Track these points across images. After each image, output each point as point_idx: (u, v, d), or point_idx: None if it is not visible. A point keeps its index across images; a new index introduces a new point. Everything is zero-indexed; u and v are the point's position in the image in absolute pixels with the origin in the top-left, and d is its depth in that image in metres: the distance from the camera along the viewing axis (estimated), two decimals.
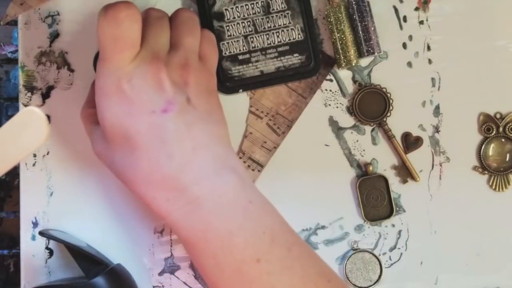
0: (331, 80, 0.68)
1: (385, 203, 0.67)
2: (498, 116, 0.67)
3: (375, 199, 0.67)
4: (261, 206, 0.51)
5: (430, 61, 0.67)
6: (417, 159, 0.67)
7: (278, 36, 0.65)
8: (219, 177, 0.48)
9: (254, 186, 0.53)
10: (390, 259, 0.68)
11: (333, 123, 0.68)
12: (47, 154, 0.69)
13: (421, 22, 0.67)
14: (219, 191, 0.47)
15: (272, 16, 0.65)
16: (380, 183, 0.67)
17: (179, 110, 0.47)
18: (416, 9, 0.67)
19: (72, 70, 0.69)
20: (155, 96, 0.46)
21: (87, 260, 0.66)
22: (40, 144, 0.45)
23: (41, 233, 0.67)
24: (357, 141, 0.68)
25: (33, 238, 0.69)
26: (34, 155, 0.69)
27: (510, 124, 0.67)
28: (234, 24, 0.65)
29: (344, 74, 0.68)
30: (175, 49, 0.51)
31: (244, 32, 0.66)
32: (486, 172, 0.67)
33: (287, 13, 0.65)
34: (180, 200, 0.47)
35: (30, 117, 0.45)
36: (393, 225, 0.68)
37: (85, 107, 0.58)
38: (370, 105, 0.67)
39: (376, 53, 0.65)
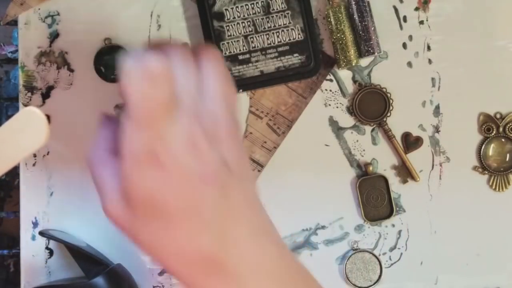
0: (331, 80, 0.68)
1: (385, 203, 0.67)
2: (498, 116, 0.67)
3: (375, 199, 0.67)
4: (297, 273, 0.50)
5: (430, 61, 0.67)
6: (417, 159, 0.67)
7: (278, 36, 0.65)
8: (257, 246, 0.44)
9: (289, 251, 0.51)
10: (390, 259, 0.68)
11: (333, 123, 0.68)
12: (47, 154, 0.69)
13: (421, 22, 0.67)
14: (257, 260, 0.45)
15: (272, 16, 0.65)
16: (380, 183, 0.67)
17: (216, 176, 0.42)
18: (416, 9, 0.67)
19: (72, 70, 0.69)
20: (191, 161, 0.41)
21: (87, 260, 0.66)
22: (39, 145, 0.45)
23: (41, 233, 0.67)
24: (357, 141, 0.68)
25: (33, 238, 0.69)
26: (34, 155, 0.69)
27: (510, 124, 0.67)
28: (234, 24, 0.65)
29: (344, 74, 0.68)
30: (203, 100, 0.44)
31: (244, 32, 0.66)
32: (486, 172, 0.67)
33: (287, 13, 0.65)
34: (218, 273, 0.44)
35: (30, 117, 0.45)
36: (393, 225, 0.68)
37: (97, 149, 0.47)
38: (370, 105, 0.67)
39: (376, 53, 0.65)
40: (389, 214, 0.67)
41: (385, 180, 0.67)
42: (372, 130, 0.68)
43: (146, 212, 0.42)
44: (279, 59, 0.66)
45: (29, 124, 0.44)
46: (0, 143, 0.45)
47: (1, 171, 0.46)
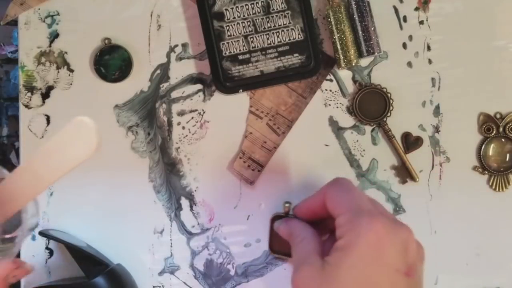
0: (331, 80, 0.68)
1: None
2: (498, 116, 0.67)
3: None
4: None
5: (430, 61, 0.67)
6: (417, 159, 0.67)
7: (278, 36, 0.65)
8: None
9: None
10: None
11: (333, 123, 0.68)
12: None
13: (421, 22, 0.67)
14: None
15: (272, 16, 0.65)
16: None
17: (414, 275, 0.47)
18: (416, 9, 0.67)
19: (71, 70, 0.69)
20: (400, 256, 0.46)
21: (87, 260, 0.66)
22: (89, 155, 0.45)
23: (41, 233, 0.67)
24: (357, 141, 0.68)
25: (33, 238, 0.69)
26: None
27: (510, 124, 0.67)
28: (234, 24, 0.65)
29: (344, 74, 0.68)
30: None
31: (244, 32, 0.66)
32: (486, 172, 0.67)
33: (287, 13, 0.65)
34: None
35: (81, 127, 0.44)
36: None
37: (307, 243, 0.52)
38: (370, 105, 0.67)
39: (376, 53, 0.65)
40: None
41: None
42: (372, 130, 0.68)
43: None
44: (279, 59, 0.66)
45: (80, 134, 0.44)
46: (51, 153, 0.45)
47: (52, 180, 0.46)
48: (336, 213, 0.48)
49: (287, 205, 0.67)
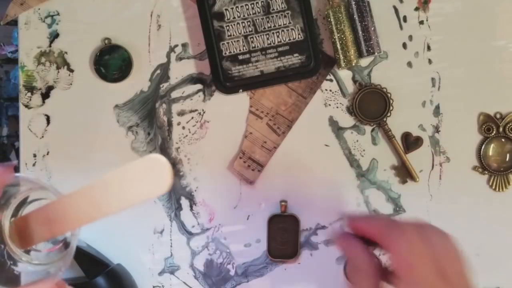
0: (331, 80, 0.68)
1: (291, 243, 0.67)
2: (498, 116, 0.67)
3: (281, 237, 0.67)
4: None
5: (430, 61, 0.67)
6: (417, 159, 0.67)
7: (278, 36, 0.65)
8: None
9: None
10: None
11: (333, 123, 0.68)
12: (47, 154, 0.69)
13: (421, 22, 0.67)
14: None
15: (272, 16, 0.65)
16: (291, 223, 0.67)
17: None
18: (416, 9, 0.67)
19: (71, 70, 0.69)
20: None
21: (87, 260, 0.66)
22: (158, 195, 0.43)
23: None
24: (357, 141, 0.68)
25: None
26: (34, 155, 0.69)
27: (510, 124, 0.66)
28: (234, 24, 0.65)
29: (344, 74, 0.68)
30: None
31: (244, 32, 0.66)
32: (486, 172, 0.67)
33: (287, 13, 0.65)
34: None
35: (155, 165, 0.42)
36: None
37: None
38: (370, 105, 0.67)
39: (376, 53, 0.65)
40: (293, 255, 0.67)
41: (296, 220, 0.67)
42: (372, 130, 0.68)
43: None
44: (279, 59, 0.66)
45: (153, 172, 0.42)
46: (115, 184, 0.44)
47: (110, 212, 0.44)
48: (402, 274, 0.47)
49: (283, 203, 0.67)
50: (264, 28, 0.65)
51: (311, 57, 0.65)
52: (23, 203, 0.50)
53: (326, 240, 0.68)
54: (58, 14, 0.69)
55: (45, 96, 0.69)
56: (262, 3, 0.65)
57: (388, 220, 0.52)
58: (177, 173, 0.69)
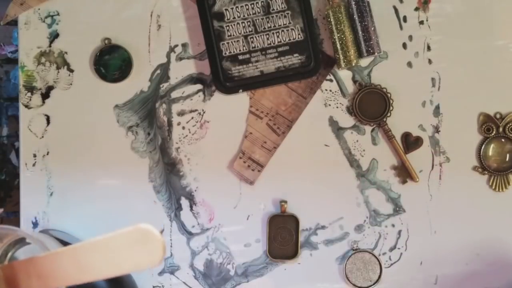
0: (331, 80, 0.68)
1: (292, 243, 0.67)
2: (498, 116, 0.67)
3: (283, 237, 0.67)
4: None
5: (430, 61, 0.67)
6: (417, 159, 0.67)
7: (278, 36, 0.65)
8: None
9: None
10: (390, 259, 0.68)
11: (333, 123, 0.68)
12: (47, 154, 0.69)
13: (421, 22, 0.67)
14: None
15: (272, 16, 0.65)
16: (291, 223, 0.67)
17: None
18: (416, 9, 0.67)
19: (71, 70, 0.69)
20: None
21: None
22: (150, 267, 0.41)
23: (41, 233, 0.67)
24: (357, 141, 0.68)
25: None
26: (34, 155, 0.69)
27: (510, 124, 0.66)
28: (234, 24, 0.65)
29: (344, 74, 0.68)
30: None
31: (244, 32, 0.66)
32: (486, 172, 0.67)
33: (287, 13, 0.65)
34: None
35: (148, 237, 0.41)
36: (393, 225, 0.68)
37: None
38: (370, 105, 0.67)
39: (376, 53, 0.65)
40: (293, 256, 0.67)
41: (296, 220, 0.67)
42: (372, 130, 0.68)
43: None
44: (279, 59, 0.66)
45: (145, 243, 0.41)
46: (102, 249, 0.42)
47: (97, 276, 0.43)
48: None
49: (283, 203, 0.67)
50: (264, 28, 0.65)
51: (311, 57, 0.65)
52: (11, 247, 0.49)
53: (326, 240, 0.68)
54: (58, 14, 0.69)
55: (45, 96, 0.69)
56: (262, 3, 0.65)
57: None
58: (177, 173, 0.69)
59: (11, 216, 1.11)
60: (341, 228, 0.68)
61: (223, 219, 0.69)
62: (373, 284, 0.67)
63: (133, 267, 0.41)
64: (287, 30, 0.65)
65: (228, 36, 0.65)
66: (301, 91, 0.67)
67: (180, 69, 0.68)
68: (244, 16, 0.65)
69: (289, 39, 0.65)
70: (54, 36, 0.69)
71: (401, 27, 0.67)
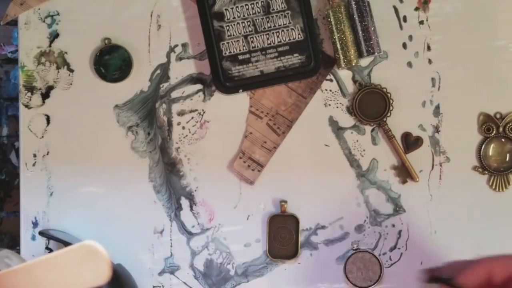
0: (331, 80, 0.68)
1: (292, 243, 0.67)
2: (498, 116, 0.67)
3: (283, 237, 0.67)
4: None
5: (430, 61, 0.67)
6: (417, 159, 0.67)
7: (278, 36, 0.65)
8: None
9: None
10: (390, 259, 0.68)
11: (333, 123, 0.68)
12: (47, 154, 0.69)
13: (421, 22, 0.67)
14: None
15: (272, 16, 0.65)
16: (291, 223, 0.67)
17: None
18: (416, 9, 0.67)
19: (71, 70, 0.69)
20: None
21: None
22: (98, 284, 0.42)
23: (41, 233, 0.67)
24: (357, 141, 0.68)
25: (33, 238, 0.69)
26: (34, 155, 0.69)
27: (510, 124, 0.66)
28: (234, 24, 0.65)
29: (344, 74, 0.68)
30: None
31: (244, 32, 0.66)
32: (486, 172, 0.67)
33: (287, 13, 0.65)
34: None
35: (92, 254, 0.42)
36: (393, 225, 0.68)
37: None
38: (370, 105, 0.67)
39: (376, 53, 0.65)
40: (293, 256, 0.67)
41: (296, 220, 0.67)
42: (372, 130, 0.68)
43: None
44: (279, 59, 0.66)
45: (91, 260, 0.42)
46: (54, 265, 0.43)
47: None
48: None
49: (283, 203, 0.67)
50: (264, 28, 0.65)
51: (311, 57, 0.65)
52: None
53: (326, 240, 0.68)
54: (58, 14, 0.69)
55: (45, 96, 0.69)
56: (262, 3, 0.65)
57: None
58: (177, 173, 0.69)
59: (11, 216, 1.11)
60: (341, 228, 0.68)
61: (223, 219, 0.69)
62: (373, 284, 0.67)
63: (82, 284, 0.42)
64: (287, 30, 0.65)
65: (228, 36, 0.65)
66: (301, 91, 0.67)
67: (180, 69, 0.69)
68: (244, 16, 0.65)
69: (289, 39, 0.65)
70: (54, 36, 0.69)
71: (401, 27, 0.67)
